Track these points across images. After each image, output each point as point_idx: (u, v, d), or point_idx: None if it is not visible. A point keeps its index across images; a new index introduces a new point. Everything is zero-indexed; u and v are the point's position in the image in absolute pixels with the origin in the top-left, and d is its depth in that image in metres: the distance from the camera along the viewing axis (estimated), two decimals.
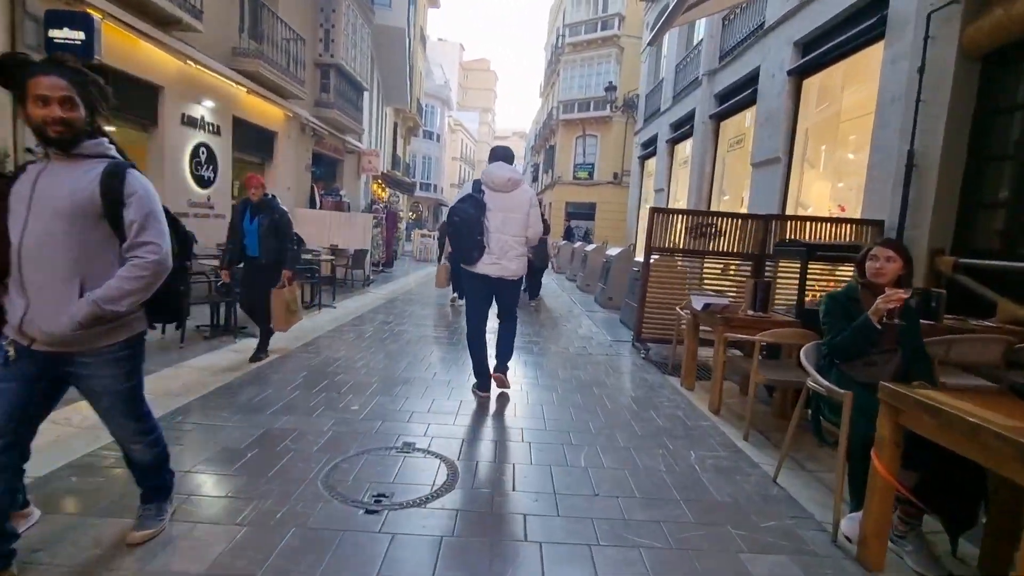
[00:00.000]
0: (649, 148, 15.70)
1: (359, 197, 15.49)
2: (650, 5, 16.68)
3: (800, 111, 7.79)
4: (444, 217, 4.04)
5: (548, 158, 28.54)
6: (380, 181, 20.46)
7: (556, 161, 25.62)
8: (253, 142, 9.25)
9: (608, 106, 21.39)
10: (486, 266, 3.78)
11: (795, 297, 4.90)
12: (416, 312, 7.87)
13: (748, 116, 9.58)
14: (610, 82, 20.88)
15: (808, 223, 5.52)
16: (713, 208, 10.78)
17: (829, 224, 5.52)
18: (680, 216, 5.54)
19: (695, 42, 12.53)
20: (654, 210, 5.50)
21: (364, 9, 13.10)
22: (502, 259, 3.79)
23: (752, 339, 3.38)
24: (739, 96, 9.50)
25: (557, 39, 26.58)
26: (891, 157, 5.42)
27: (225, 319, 5.58)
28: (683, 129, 12.63)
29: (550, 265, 13.54)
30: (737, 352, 4.41)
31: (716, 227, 5.55)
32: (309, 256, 8.19)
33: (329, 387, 4.03)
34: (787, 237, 5.20)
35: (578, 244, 15.42)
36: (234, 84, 7.97)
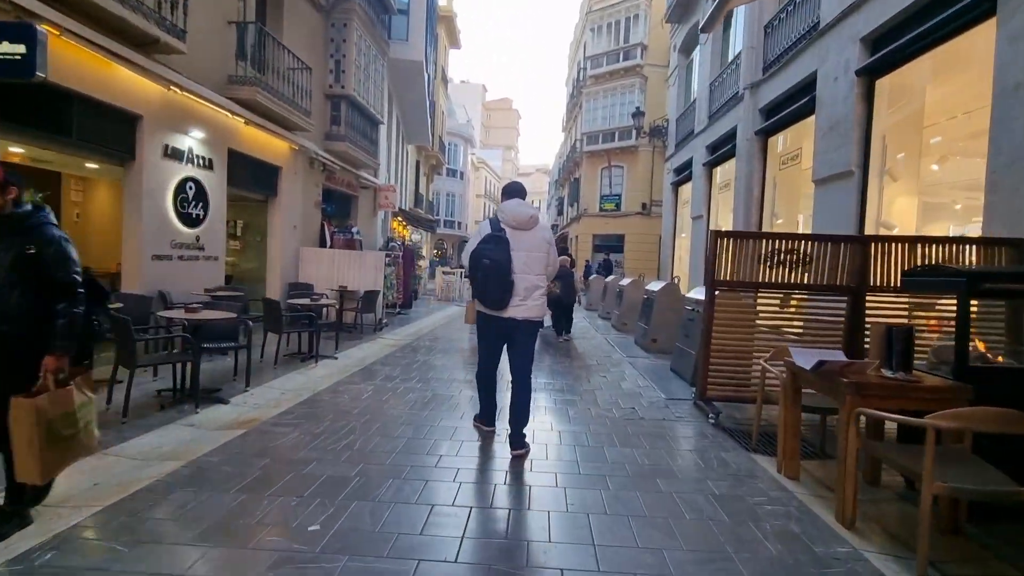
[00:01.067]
0: (683, 174, 14.64)
1: (375, 235, 14.70)
2: (676, 27, 15.95)
3: (874, 116, 6.63)
4: (464, 256, 3.10)
5: (573, 191, 27.81)
6: (401, 218, 19.82)
7: (581, 194, 24.89)
8: (253, 177, 8.48)
9: (634, 134, 20.56)
10: (512, 309, 3.55)
11: (938, 346, 3.63)
12: (431, 363, 6.74)
13: (803, 128, 8.42)
14: (637, 107, 20.13)
15: (920, 245, 4.30)
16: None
17: (946, 246, 4.28)
18: (754, 241, 4.35)
19: (731, 57, 11.57)
20: (720, 234, 4.34)
21: (378, 41, 12.60)
22: (527, 300, 3.58)
23: (922, 423, 2.13)
24: (791, 107, 8.39)
25: (578, 72, 26.23)
26: (1022, 158, 4.21)
27: (192, 380, 4.50)
28: (723, 150, 11.55)
29: (578, 300, 12.48)
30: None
31: (800, 253, 4.34)
32: (308, 300, 7.26)
33: (290, 486, 2.92)
34: (917, 263, 3.96)
35: (610, 278, 14.22)
36: (229, 114, 7.25)
